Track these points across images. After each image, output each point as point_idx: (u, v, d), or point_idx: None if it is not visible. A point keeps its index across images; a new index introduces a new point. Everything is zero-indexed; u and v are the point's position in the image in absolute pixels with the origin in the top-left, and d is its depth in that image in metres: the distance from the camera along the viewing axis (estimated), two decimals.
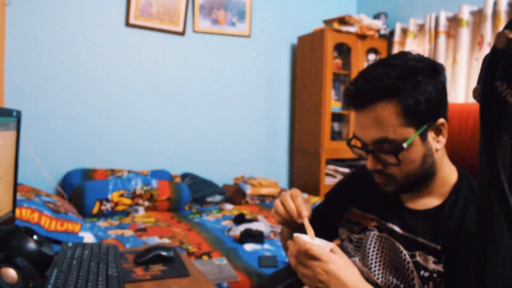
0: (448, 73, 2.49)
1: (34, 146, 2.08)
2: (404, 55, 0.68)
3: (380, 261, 0.74)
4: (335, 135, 2.92)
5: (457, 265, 0.64)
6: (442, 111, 0.68)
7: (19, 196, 1.49)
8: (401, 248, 0.71)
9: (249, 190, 2.50)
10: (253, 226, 1.79)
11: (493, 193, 0.40)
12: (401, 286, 0.69)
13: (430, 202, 0.72)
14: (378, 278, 0.73)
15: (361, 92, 0.66)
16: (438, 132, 0.69)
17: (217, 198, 2.44)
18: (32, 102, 2.23)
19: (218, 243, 1.66)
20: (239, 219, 1.96)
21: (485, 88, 0.36)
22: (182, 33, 2.62)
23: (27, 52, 2.22)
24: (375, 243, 0.76)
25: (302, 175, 2.93)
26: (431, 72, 0.66)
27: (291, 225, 0.80)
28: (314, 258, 0.63)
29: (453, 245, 0.65)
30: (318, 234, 0.75)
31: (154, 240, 1.67)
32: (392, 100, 0.64)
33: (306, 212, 0.74)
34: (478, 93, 0.38)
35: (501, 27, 2.06)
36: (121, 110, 2.49)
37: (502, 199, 0.35)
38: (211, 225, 1.96)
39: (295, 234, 0.68)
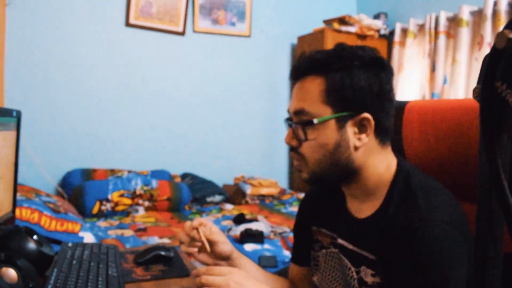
0: (447, 73, 2.49)
1: (34, 146, 2.08)
2: (359, 46, 0.67)
3: (332, 280, 0.73)
4: None
5: (392, 275, 0.60)
6: (370, 108, 0.64)
7: (19, 196, 1.49)
8: (349, 264, 0.68)
9: (249, 190, 2.50)
10: (253, 226, 1.79)
11: (493, 193, 0.40)
12: None
13: (370, 208, 0.67)
14: None
15: (300, 63, 0.67)
16: (361, 128, 0.64)
17: (217, 198, 2.44)
18: (32, 102, 2.23)
19: None
20: (239, 219, 1.96)
21: (485, 88, 0.36)
22: (182, 33, 2.62)
23: (27, 52, 2.22)
24: (330, 260, 0.73)
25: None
26: (371, 65, 0.64)
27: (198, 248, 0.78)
28: (218, 274, 0.61)
29: (388, 253, 0.61)
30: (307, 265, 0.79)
31: (154, 240, 1.67)
32: (321, 76, 0.64)
33: (196, 223, 0.75)
34: (478, 93, 0.38)
35: (501, 27, 2.06)
36: (121, 110, 2.49)
37: (502, 199, 0.35)
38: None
39: (193, 271, 0.67)
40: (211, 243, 0.76)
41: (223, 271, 0.61)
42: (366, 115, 0.64)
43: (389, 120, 0.67)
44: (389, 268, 0.61)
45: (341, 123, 0.64)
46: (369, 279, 0.64)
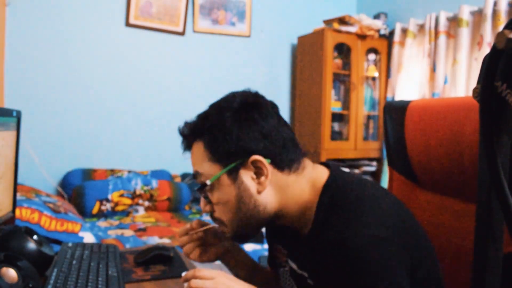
0: (448, 73, 2.49)
1: (34, 146, 2.08)
2: (226, 96, 0.68)
3: None
4: (335, 135, 2.91)
5: None
6: (257, 151, 0.62)
7: (19, 196, 1.49)
8: (295, 287, 0.67)
9: None
10: None
11: (493, 193, 0.40)
12: None
13: (306, 229, 0.64)
14: None
15: (182, 138, 0.71)
16: (258, 171, 0.63)
17: None
18: (32, 102, 2.23)
19: None
20: None
21: (485, 88, 0.36)
22: (182, 33, 2.62)
23: (27, 52, 2.22)
24: (287, 280, 0.72)
25: None
26: (239, 111, 0.64)
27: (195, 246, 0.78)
28: (206, 277, 0.60)
29: (321, 277, 0.60)
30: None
31: (154, 240, 1.67)
32: (201, 140, 0.66)
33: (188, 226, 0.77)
34: (478, 93, 0.38)
35: (501, 27, 2.06)
36: (121, 110, 2.49)
37: (501, 198, 0.35)
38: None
39: (182, 274, 0.67)
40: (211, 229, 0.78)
41: (211, 274, 0.60)
42: (255, 157, 0.62)
43: (288, 149, 0.65)
44: None
45: (233, 175, 0.63)
46: None
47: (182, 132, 0.70)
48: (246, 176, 0.63)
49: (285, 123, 0.68)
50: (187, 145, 0.70)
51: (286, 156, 0.64)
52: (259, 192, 0.64)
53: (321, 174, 0.66)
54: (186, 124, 0.70)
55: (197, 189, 0.68)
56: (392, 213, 0.59)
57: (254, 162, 0.63)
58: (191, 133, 0.68)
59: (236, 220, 0.65)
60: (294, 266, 0.68)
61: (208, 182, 0.64)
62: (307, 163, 0.67)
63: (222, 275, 0.61)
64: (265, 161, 0.62)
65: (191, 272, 0.61)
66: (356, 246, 0.53)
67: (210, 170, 0.65)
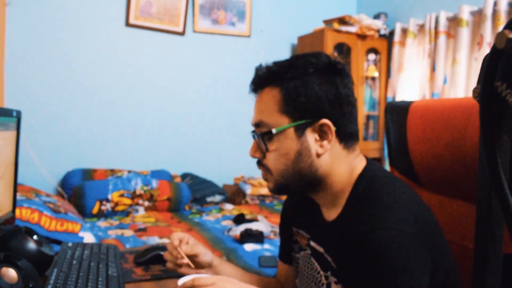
0: (447, 73, 2.49)
1: (34, 146, 2.08)
2: (314, 52, 0.67)
3: (308, 283, 0.72)
4: None
5: (350, 283, 0.59)
6: (329, 114, 0.63)
7: (19, 196, 1.49)
8: (319, 268, 0.68)
9: (249, 190, 2.50)
10: (253, 226, 1.79)
11: (493, 192, 0.40)
12: None
13: (335, 213, 0.66)
14: None
15: (257, 76, 0.68)
16: (322, 134, 0.64)
17: (217, 198, 2.44)
18: (32, 102, 2.23)
19: (218, 243, 1.66)
20: (239, 219, 1.95)
21: (485, 88, 0.36)
22: (182, 33, 2.62)
23: (27, 52, 2.22)
24: (306, 263, 0.73)
25: None
26: (325, 71, 0.64)
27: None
28: (205, 283, 0.60)
29: (344, 261, 0.60)
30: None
31: (154, 240, 1.67)
32: (276, 87, 0.65)
33: (176, 242, 0.79)
34: (478, 93, 0.38)
35: (501, 27, 2.06)
36: (121, 110, 2.49)
37: (501, 198, 0.35)
38: (211, 225, 1.95)
39: (179, 281, 0.67)
40: (193, 256, 0.80)
41: (211, 279, 0.61)
42: (325, 121, 0.63)
43: (352, 124, 0.66)
44: (346, 277, 0.60)
45: (300, 131, 0.64)
46: (334, 287, 0.63)
47: (259, 72, 0.68)
48: (311, 136, 0.64)
49: (354, 94, 0.68)
50: (259, 87, 0.68)
51: (350, 129, 0.66)
52: (318, 155, 0.64)
53: (360, 162, 0.67)
54: (267, 66, 0.67)
55: (256, 133, 0.67)
56: (420, 211, 0.60)
57: (323, 126, 0.63)
58: (270, 76, 0.66)
59: (287, 173, 0.65)
60: (320, 249, 0.68)
61: (274, 131, 0.64)
62: (357, 146, 0.68)
63: (222, 280, 0.61)
64: (332, 127, 0.63)
65: (190, 281, 0.61)
66: (384, 238, 0.54)
67: (278, 120, 0.64)
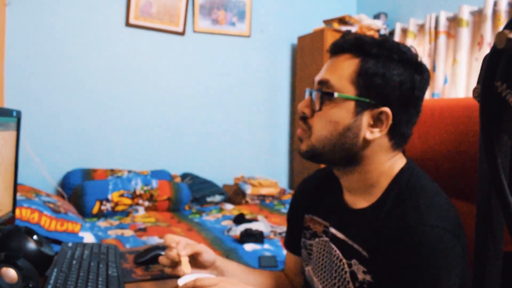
0: (448, 73, 2.49)
1: (34, 146, 2.08)
2: (406, 45, 0.66)
3: (325, 270, 0.71)
4: None
5: (383, 277, 0.58)
6: (393, 105, 0.62)
7: (19, 196, 1.49)
8: (340, 256, 0.66)
9: (249, 190, 2.50)
10: (253, 226, 1.79)
11: (493, 192, 0.40)
12: None
13: (366, 200, 0.65)
14: None
15: (342, 40, 0.66)
16: (377, 121, 0.62)
17: (217, 198, 2.44)
18: (32, 102, 2.23)
19: (218, 243, 1.66)
20: (239, 219, 1.95)
21: (485, 88, 0.36)
22: (182, 33, 2.62)
23: (27, 52, 2.22)
24: (323, 250, 0.72)
25: (302, 175, 2.93)
26: (409, 64, 0.63)
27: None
28: (207, 284, 0.60)
29: (377, 253, 0.59)
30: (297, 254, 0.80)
31: (154, 240, 1.67)
32: (358, 57, 0.63)
33: (183, 252, 0.75)
34: (478, 93, 0.38)
35: (501, 27, 2.06)
36: (121, 110, 2.49)
37: (501, 198, 0.35)
38: (211, 225, 1.95)
39: (179, 281, 0.67)
40: (195, 254, 0.77)
41: (213, 280, 0.60)
42: (386, 109, 0.61)
43: (409, 127, 0.65)
44: (380, 267, 0.59)
45: (359, 108, 0.62)
46: (360, 276, 0.62)
47: (345, 37, 0.66)
48: (366, 118, 0.63)
49: (421, 107, 0.66)
50: (340, 50, 0.65)
51: (403, 131, 0.64)
52: (364, 140, 0.63)
53: (402, 158, 0.67)
54: (356, 35, 0.65)
55: (317, 90, 0.65)
56: (455, 214, 0.61)
57: (382, 113, 0.62)
58: (356, 45, 0.64)
59: (327, 142, 0.64)
60: (341, 235, 0.67)
61: (336, 95, 0.62)
62: (400, 151, 0.67)
63: (224, 281, 0.60)
64: (390, 120, 0.62)
65: (191, 282, 0.60)
66: (427, 234, 0.55)
67: (345, 87, 0.62)
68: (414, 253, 0.55)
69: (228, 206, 2.37)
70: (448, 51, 2.52)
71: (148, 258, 0.91)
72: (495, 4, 2.23)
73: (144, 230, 1.82)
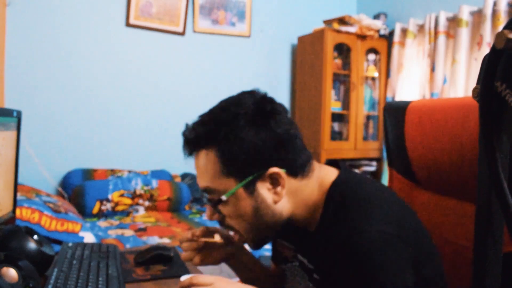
0: (447, 73, 2.49)
1: (35, 146, 2.08)
2: (237, 100, 0.63)
3: None
4: (335, 135, 2.92)
5: None
6: (274, 161, 0.60)
7: (19, 196, 1.49)
8: (307, 280, 0.67)
9: None
10: None
11: (493, 192, 0.40)
12: None
13: (314, 223, 0.65)
14: None
15: (186, 140, 0.65)
16: (273, 181, 0.61)
17: None
18: (33, 102, 2.23)
19: None
20: None
21: (484, 88, 0.36)
22: (182, 33, 2.62)
23: (28, 52, 2.22)
24: (295, 275, 0.72)
25: None
26: (256, 119, 0.60)
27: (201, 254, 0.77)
28: (203, 283, 0.58)
29: (327, 268, 0.59)
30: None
31: (154, 240, 1.67)
32: (211, 149, 0.61)
33: (189, 235, 0.76)
34: (478, 93, 0.38)
35: (500, 27, 2.06)
36: (122, 110, 2.49)
37: (501, 198, 0.35)
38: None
39: (181, 277, 0.66)
40: (213, 231, 0.78)
41: (209, 279, 0.59)
42: (273, 170, 0.60)
43: (301, 155, 0.63)
44: (331, 284, 0.59)
45: (250, 188, 0.61)
46: None
47: (187, 137, 0.65)
48: (263, 188, 0.61)
49: (293, 123, 0.64)
50: (192, 150, 0.65)
51: (299, 162, 0.62)
52: (275, 202, 0.62)
53: (329, 173, 0.65)
54: (193, 127, 0.64)
55: (209, 204, 0.65)
56: (398, 211, 0.59)
57: (272, 174, 0.60)
58: (200, 139, 0.63)
59: (252, 229, 0.64)
60: (304, 260, 0.68)
61: (224, 198, 0.61)
62: (315, 164, 0.66)
63: (220, 280, 0.59)
64: (283, 172, 0.60)
65: (188, 280, 0.60)
66: (363, 241, 0.53)
67: (224, 184, 0.61)
68: (356, 261, 0.53)
69: None
70: (447, 51, 2.52)
71: (148, 258, 0.91)
72: (494, 4, 2.23)
73: (144, 230, 1.82)
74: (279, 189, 0.61)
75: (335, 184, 0.63)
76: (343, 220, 0.58)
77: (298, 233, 0.69)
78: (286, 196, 0.63)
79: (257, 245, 0.68)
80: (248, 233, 0.65)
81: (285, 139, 0.61)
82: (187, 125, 0.66)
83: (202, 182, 0.65)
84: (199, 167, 0.64)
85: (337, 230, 0.57)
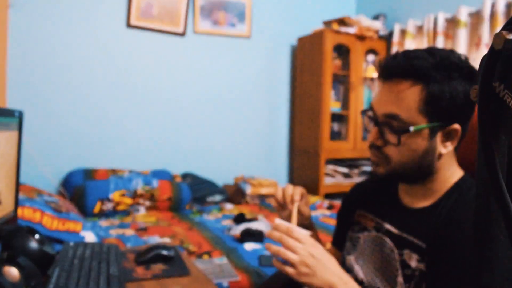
0: None
1: (36, 146, 2.09)
2: (451, 51, 0.68)
3: (370, 261, 0.75)
4: (335, 135, 2.92)
5: (439, 266, 0.63)
6: (462, 117, 0.66)
7: (21, 195, 1.49)
8: (393, 247, 0.71)
9: (249, 189, 2.50)
10: (253, 225, 1.79)
11: (491, 194, 0.41)
12: None
13: (426, 201, 0.71)
14: (363, 277, 0.75)
15: (398, 65, 0.66)
16: (448, 136, 0.67)
17: (217, 197, 2.44)
18: (34, 102, 2.23)
19: (219, 243, 1.66)
20: (239, 219, 1.96)
21: (482, 89, 0.36)
22: (182, 34, 2.62)
23: (30, 53, 2.22)
24: (371, 242, 0.76)
25: (301, 175, 2.94)
26: (468, 75, 0.65)
27: (284, 215, 0.82)
28: (298, 240, 0.64)
29: (437, 245, 0.64)
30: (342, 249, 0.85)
31: (155, 239, 1.68)
32: (420, 84, 0.64)
33: (297, 197, 0.79)
34: (476, 94, 0.39)
35: (498, 28, 2.06)
36: (123, 110, 2.50)
37: (500, 199, 0.35)
38: (211, 225, 1.96)
39: (276, 219, 0.69)
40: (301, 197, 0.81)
41: (303, 238, 0.62)
42: (457, 126, 0.66)
43: (467, 130, 0.69)
44: (438, 258, 0.62)
45: (432, 132, 0.66)
46: (413, 263, 0.66)
47: (398, 61, 0.66)
48: (439, 137, 0.67)
49: None
50: (395, 76, 0.66)
51: (465, 133, 0.68)
52: (440, 155, 0.67)
53: (459, 170, 0.71)
54: (408, 58, 0.65)
55: (387, 125, 0.66)
56: None
57: (453, 130, 0.66)
58: (413, 71, 0.64)
59: (409, 165, 0.67)
60: (394, 229, 0.72)
61: (412, 129, 0.64)
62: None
63: (313, 245, 0.63)
64: (460, 132, 0.66)
65: (285, 226, 0.63)
66: None
67: (415, 118, 0.64)
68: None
69: (228, 206, 2.37)
70: None
71: (149, 257, 0.91)
72: (493, 6, 2.24)
73: (145, 229, 1.82)
74: (448, 144, 0.67)
75: (465, 180, 0.68)
76: (469, 207, 0.62)
77: (393, 206, 0.74)
78: (445, 155, 0.68)
79: (390, 176, 0.70)
80: (401, 166, 0.68)
81: (473, 106, 0.66)
82: (397, 53, 0.67)
83: (391, 108, 0.66)
84: (396, 93, 0.66)
85: (461, 213, 0.62)
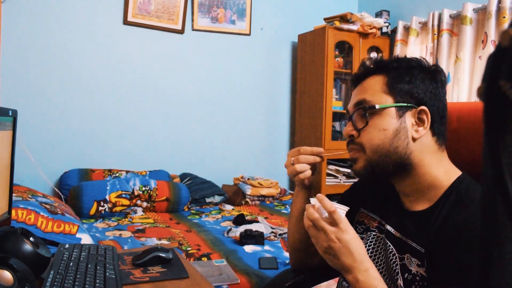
0: (451, 72, 2.47)
1: (31, 146, 2.06)
2: (417, 58, 0.74)
3: (374, 262, 0.75)
4: (336, 135, 2.90)
5: (438, 270, 0.63)
6: (427, 104, 0.70)
7: (15, 196, 1.48)
8: (394, 250, 0.72)
9: (249, 190, 2.49)
10: (253, 227, 1.78)
11: (497, 194, 0.39)
12: None
13: (424, 203, 0.71)
14: None
15: (363, 68, 0.75)
16: (419, 121, 0.70)
17: (217, 198, 2.43)
18: (29, 101, 2.22)
19: (218, 244, 1.65)
20: (239, 220, 1.95)
21: (489, 87, 0.35)
22: (181, 31, 2.61)
23: (23, 51, 2.21)
24: (374, 243, 0.77)
25: None
26: (426, 69, 0.71)
27: (301, 182, 0.85)
28: (333, 224, 0.66)
29: (436, 249, 0.64)
30: None
31: (153, 241, 1.66)
32: (382, 74, 0.72)
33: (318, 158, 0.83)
34: (482, 92, 0.37)
35: (505, 25, 2.04)
36: (119, 109, 2.48)
37: (506, 200, 0.34)
38: (210, 226, 1.94)
39: (319, 195, 0.70)
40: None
41: (339, 220, 0.64)
42: (424, 108, 0.69)
43: (443, 123, 0.71)
44: (437, 263, 0.63)
45: (400, 112, 0.69)
46: (414, 268, 0.67)
47: (364, 64, 0.75)
48: (409, 119, 0.69)
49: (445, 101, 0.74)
50: (363, 77, 0.74)
51: (441, 129, 0.71)
52: (413, 139, 0.69)
53: (456, 169, 0.71)
54: (373, 59, 0.75)
55: (357, 110, 0.72)
56: None
57: (421, 112, 0.69)
58: (376, 67, 0.73)
59: (381, 149, 0.69)
60: (396, 233, 0.73)
61: (377, 106, 0.69)
62: (445, 150, 0.72)
63: (347, 232, 0.64)
64: (429, 117, 0.69)
65: (330, 204, 0.65)
66: None
67: (381, 98, 0.70)
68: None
69: (228, 207, 2.36)
70: (451, 49, 2.50)
71: (147, 259, 0.90)
72: (499, 1, 2.21)
73: (142, 231, 1.81)
74: (421, 129, 0.69)
75: (462, 180, 0.68)
76: (467, 210, 0.63)
77: (394, 208, 0.75)
78: (421, 143, 0.69)
79: (367, 170, 0.71)
80: (374, 151, 0.70)
81: (440, 97, 0.70)
82: (363, 60, 0.77)
83: (359, 97, 0.73)
84: (362, 86, 0.74)
85: (459, 217, 0.62)
